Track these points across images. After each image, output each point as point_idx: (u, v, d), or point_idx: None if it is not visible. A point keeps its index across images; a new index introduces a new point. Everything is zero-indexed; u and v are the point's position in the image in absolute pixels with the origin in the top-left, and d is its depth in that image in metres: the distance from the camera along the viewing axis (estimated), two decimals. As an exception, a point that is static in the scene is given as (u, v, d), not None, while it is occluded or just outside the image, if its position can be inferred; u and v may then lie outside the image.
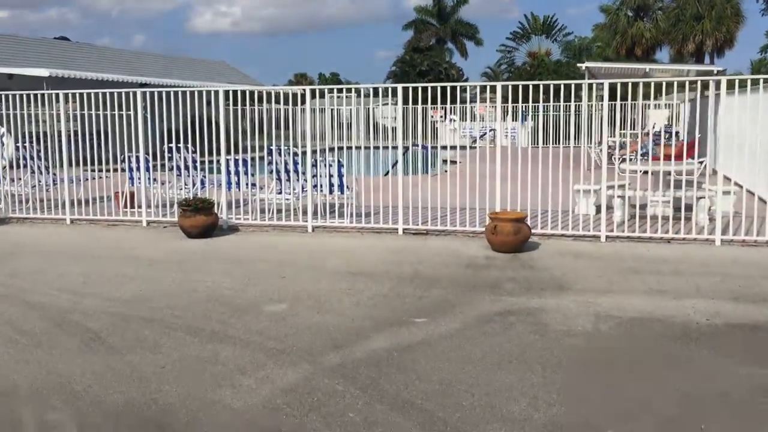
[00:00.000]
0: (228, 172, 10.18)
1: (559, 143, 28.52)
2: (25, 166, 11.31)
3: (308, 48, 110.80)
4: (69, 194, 10.72)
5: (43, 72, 18.58)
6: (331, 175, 9.86)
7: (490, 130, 28.55)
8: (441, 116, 32.91)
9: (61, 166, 10.67)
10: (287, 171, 10.11)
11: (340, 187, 9.88)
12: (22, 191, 11.15)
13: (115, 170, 11.21)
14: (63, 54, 23.62)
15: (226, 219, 10.00)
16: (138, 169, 10.78)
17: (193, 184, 10.61)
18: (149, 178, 10.70)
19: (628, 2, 43.10)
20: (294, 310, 5.96)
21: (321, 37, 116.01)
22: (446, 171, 15.00)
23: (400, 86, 9.74)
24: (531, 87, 10.29)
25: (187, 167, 10.67)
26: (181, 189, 10.78)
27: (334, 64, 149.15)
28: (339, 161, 9.86)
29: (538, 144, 28.30)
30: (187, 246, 8.87)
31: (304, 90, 9.94)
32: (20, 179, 11.28)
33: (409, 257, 7.96)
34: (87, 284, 6.93)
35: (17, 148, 11.17)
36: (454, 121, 32.28)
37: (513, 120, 33.24)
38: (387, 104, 33.48)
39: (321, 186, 9.89)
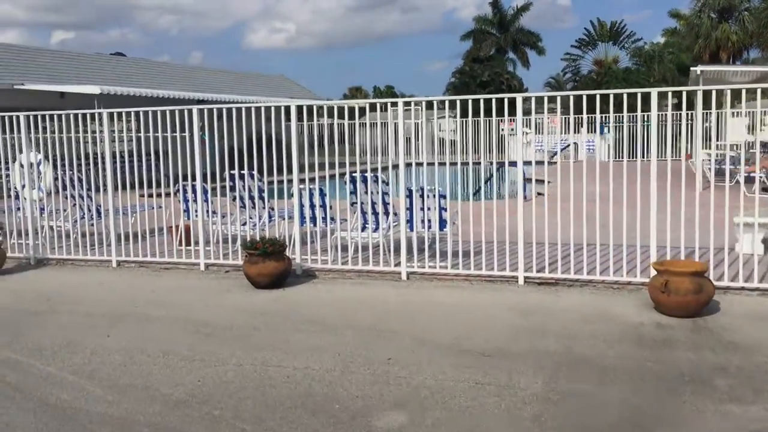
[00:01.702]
0: (301, 203, 8.38)
1: (638, 156, 25.95)
2: (67, 196, 9.75)
3: (362, 61, 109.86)
4: (116, 228, 9.08)
5: (95, 89, 17.27)
6: (427, 207, 7.95)
7: (569, 144, 26.30)
8: (512, 129, 30.86)
9: (106, 191, 9.03)
10: (373, 201, 8.25)
11: (441, 222, 7.96)
12: (63, 226, 9.57)
13: (168, 195, 9.52)
14: (117, 70, 22.45)
15: (300, 262, 8.19)
16: (195, 200, 9.09)
17: (259, 218, 8.85)
18: (207, 211, 8.99)
19: (710, 4, 40.18)
20: (420, 427, 4.05)
21: (374, 51, 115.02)
22: (541, 193, 12.93)
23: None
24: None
25: (251, 197, 8.93)
26: (244, 223, 9.04)
27: (388, 77, 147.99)
28: (440, 191, 7.95)
29: (619, 158, 25.90)
30: (255, 302, 7.08)
31: (396, 102, 8.07)
32: (62, 211, 9.72)
33: (548, 324, 5.98)
34: (127, 369, 5.16)
35: (56, 177, 9.61)
36: (528, 134, 30.12)
37: (590, 132, 30.93)
38: (445, 117, 31.53)
39: (415, 220, 7.99)
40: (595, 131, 29.99)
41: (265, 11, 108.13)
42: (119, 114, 9.02)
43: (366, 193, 8.17)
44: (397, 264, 7.93)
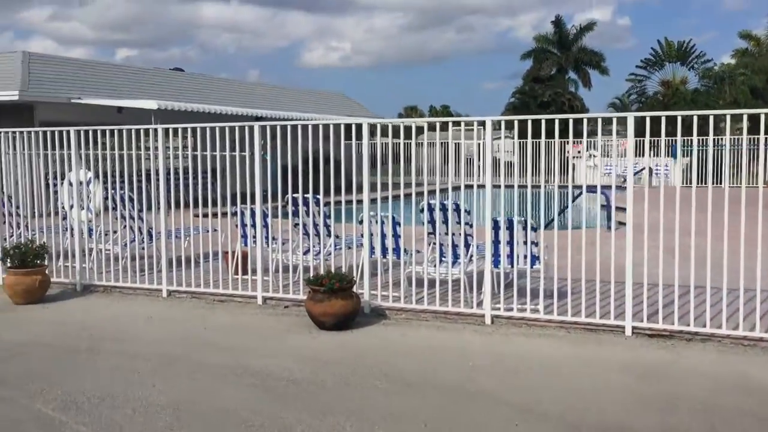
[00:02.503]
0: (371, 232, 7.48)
1: (709, 182, 24.36)
2: (117, 217, 9.07)
3: (416, 81, 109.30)
4: (167, 253, 8.33)
5: (152, 104, 16.82)
6: (509, 241, 6.96)
7: (643, 168, 24.89)
8: (579, 152, 29.56)
9: (158, 211, 8.30)
10: (445, 230, 7.30)
11: (532, 258, 6.97)
12: (112, 249, 8.88)
13: (224, 215, 8.72)
14: (175, 85, 22.10)
15: (369, 299, 7.28)
16: (253, 225, 8.30)
17: (323, 246, 8.00)
18: (267, 237, 8.18)
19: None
20: None
21: (428, 70, 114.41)
22: (622, 223, 11.83)
23: (623, 116, 6.76)
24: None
25: (315, 224, 8.09)
26: (306, 251, 8.21)
27: (443, 96, 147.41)
28: (530, 222, 6.96)
29: (687, 183, 24.34)
30: (319, 347, 6.18)
31: (483, 122, 7.13)
32: (111, 233, 9.04)
33: (675, 392, 4.92)
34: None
35: (106, 197, 8.95)
36: (595, 156, 28.80)
37: (666, 156, 29.42)
38: (502, 137, 30.41)
39: (501, 254, 7.00)
40: (668, 155, 28.55)
41: (320, 30, 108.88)
42: (176, 130, 8.30)
43: (444, 222, 7.24)
44: (480, 304, 6.95)
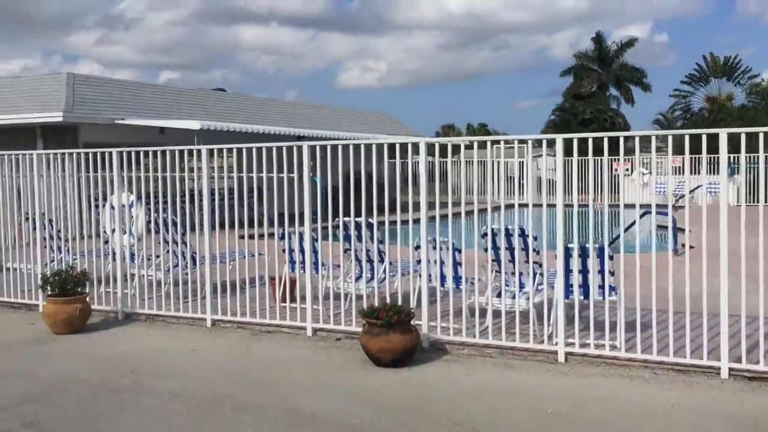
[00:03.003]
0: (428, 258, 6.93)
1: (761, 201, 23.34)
2: (161, 241, 8.69)
3: (453, 100, 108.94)
4: (212, 278, 7.90)
5: (195, 124, 16.59)
6: (582, 269, 6.35)
7: (698, 187, 23.94)
8: (627, 169, 28.68)
9: (202, 233, 7.88)
10: (511, 257, 6.72)
11: (608, 289, 6.35)
12: (154, 275, 8.49)
13: (271, 236, 8.22)
14: (217, 105, 21.93)
15: (427, 332, 6.73)
16: (301, 250, 7.84)
17: (373, 273, 7.49)
18: (315, 263, 7.71)
19: None
20: None
21: (465, 89, 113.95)
22: (691, 246, 11.15)
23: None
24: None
25: (367, 250, 7.59)
26: (359, 278, 7.70)
27: (480, 114, 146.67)
28: (603, 247, 6.35)
29: (751, 202, 23.25)
30: (377, 387, 5.64)
31: (553, 141, 6.57)
32: (154, 257, 8.66)
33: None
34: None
35: (149, 220, 8.58)
36: (645, 174, 27.87)
37: (712, 173, 28.38)
38: (546, 155, 29.65)
39: (574, 284, 6.40)
40: (722, 172, 27.49)
41: (357, 51, 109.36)
42: (219, 150, 7.90)
43: (507, 248, 6.67)
44: (551, 339, 6.34)
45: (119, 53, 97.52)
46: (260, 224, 7.97)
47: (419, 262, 7.23)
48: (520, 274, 6.71)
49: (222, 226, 8.09)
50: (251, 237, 8.67)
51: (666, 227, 10.40)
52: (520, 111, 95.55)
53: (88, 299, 7.79)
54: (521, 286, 6.80)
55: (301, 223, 7.47)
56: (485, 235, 6.80)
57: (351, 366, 6.18)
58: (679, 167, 27.49)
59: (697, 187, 23.99)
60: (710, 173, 28.41)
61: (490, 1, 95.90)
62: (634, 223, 7.66)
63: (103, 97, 18.06)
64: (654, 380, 5.63)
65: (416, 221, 7.11)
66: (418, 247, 7.12)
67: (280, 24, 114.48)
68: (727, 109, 46.79)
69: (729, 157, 6.13)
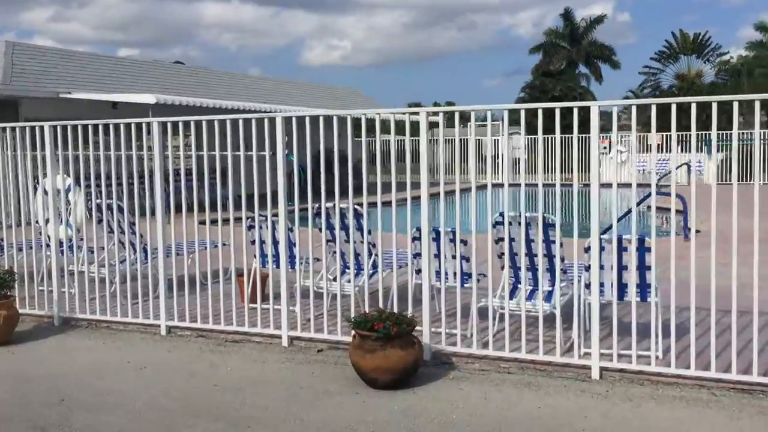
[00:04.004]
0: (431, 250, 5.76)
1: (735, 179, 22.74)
2: (109, 231, 7.36)
3: (418, 78, 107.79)
4: (167, 274, 6.62)
5: (150, 98, 15.11)
6: (624, 265, 5.27)
7: (682, 164, 23.15)
8: (605, 147, 27.83)
9: (154, 220, 6.57)
10: (530, 253, 5.60)
11: (644, 289, 5.28)
12: (97, 272, 7.17)
13: (238, 220, 6.87)
14: (174, 79, 20.33)
15: (430, 342, 5.58)
16: (275, 242, 6.62)
17: (359, 269, 6.30)
18: (291, 258, 6.50)
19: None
20: None
21: (431, 67, 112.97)
22: (697, 231, 10.23)
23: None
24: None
25: (354, 243, 6.38)
26: (343, 273, 6.52)
27: (447, 93, 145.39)
28: (644, 238, 5.26)
29: (730, 180, 22.46)
30: (375, 418, 4.47)
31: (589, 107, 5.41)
32: (97, 251, 7.33)
33: None
34: None
35: (96, 207, 7.24)
36: (623, 152, 27.06)
37: (687, 151, 27.67)
38: (517, 133, 28.69)
39: (605, 283, 5.29)
40: (700, 150, 26.71)
41: (321, 29, 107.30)
42: (175, 124, 6.56)
43: (526, 240, 5.53)
44: (572, 350, 5.24)
45: (75, 30, 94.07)
46: (224, 208, 6.72)
47: (416, 255, 6.07)
48: (535, 269, 5.60)
49: (179, 211, 6.79)
50: (214, 223, 7.33)
51: (684, 211, 9.38)
52: (486, 89, 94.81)
53: (15, 304, 6.46)
54: (536, 284, 5.70)
55: (273, 207, 6.23)
56: (498, 223, 5.65)
57: (339, 389, 5.00)
58: (659, 145, 26.84)
59: (682, 165, 23.22)
60: (684, 151, 27.82)
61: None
62: (639, 204, 6.61)
63: (47, 68, 16.43)
64: (715, 405, 4.57)
65: (390, 203, 5.92)
66: (416, 238, 5.96)
67: (242, 0, 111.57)
68: (697, 87, 46.49)
69: (709, 134, 5.18)
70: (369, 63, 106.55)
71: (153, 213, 6.66)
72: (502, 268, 5.84)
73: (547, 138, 28.31)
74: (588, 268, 5.46)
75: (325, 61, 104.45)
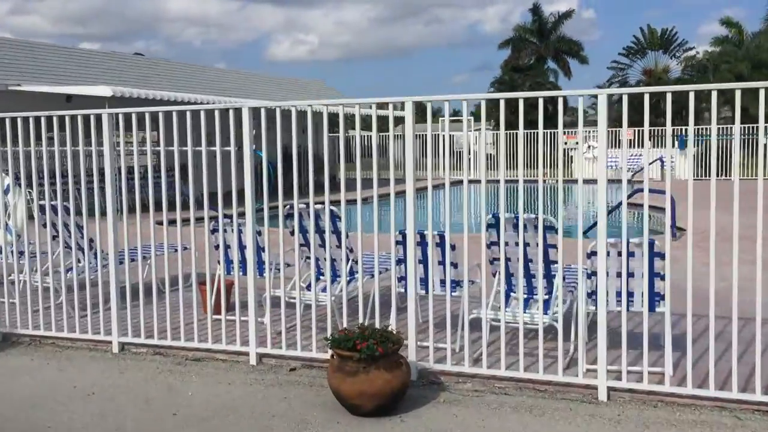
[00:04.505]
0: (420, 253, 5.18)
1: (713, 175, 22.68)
2: (54, 235, 6.61)
3: (386, 74, 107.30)
4: (118, 282, 5.93)
5: (106, 91, 14.26)
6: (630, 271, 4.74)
7: (656, 160, 22.94)
8: (576, 143, 27.54)
9: (104, 220, 5.86)
10: (527, 257, 5.04)
11: (652, 298, 4.77)
12: (41, 281, 6.42)
13: (199, 220, 6.13)
14: (134, 72, 19.40)
15: (416, 360, 4.99)
16: (241, 247, 5.99)
17: (335, 276, 5.69)
18: (260, 264, 5.86)
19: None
20: None
21: (398, 63, 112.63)
22: (682, 229, 9.98)
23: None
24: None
25: (323, 243, 5.76)
26: (317, 280, 5.90)
27: (414, 89, 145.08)
28: (653, 242, 4.74)
29: (708, 176, 22.33)
30: (362, 454, 3.88)
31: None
32: (39, 256, 6.60)
33: None
34: None
35: (40, 209, 6.50)
36: (594, 148, 26.79)
37: (659, 146, 27.52)
38: (481, 129, 28.13)
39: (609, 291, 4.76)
40: (675, 145, 26.53)
41: (288, 23, 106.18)
42: (127, 116, 5.85)
43: (520, 244, 4.98)
44: (571, 367, 4.71)
45: (34, 24, 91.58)
46: (185, 207, 6.02)
47: (399, 261, 5.48)
48: (534, 277, 5.05)
49: (133, 211, 6.08)
50: (173, 223, 6.61)
51: (672, 208, 8.95)
52: (454, 85, 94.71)
53: (-57, 320, 5.71)
54: (532, 292, 5.16)
55: (238, 206, 5.58)
56: (490, 225, 5.08)
57: (317, 418, 4.38)
58: (631, 140, 26.60)
59: (655, 160, 23.00)
60: (657, 146, 27.67)
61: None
62: (620, 204, 6.16)
63: (-5, 58, 15.44)
64: (742, 430, 4.06)
65: (356, 201, 5.31)
66: (399, 242, 5.36)
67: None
68: (664, 82, 46.81)
69: (683, 129, 4.82)
70: (336, 58, 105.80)
71: (104, 214, 5.96)
72: (494, 274, 5.31)
73: (528, 134, 28.00)
74: (590, 275, 4.95)
75: (292, 56, 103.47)
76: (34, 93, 14.65)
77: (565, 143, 28.33)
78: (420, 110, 5.28)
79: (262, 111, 5.42)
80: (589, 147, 27.14)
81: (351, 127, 23.22)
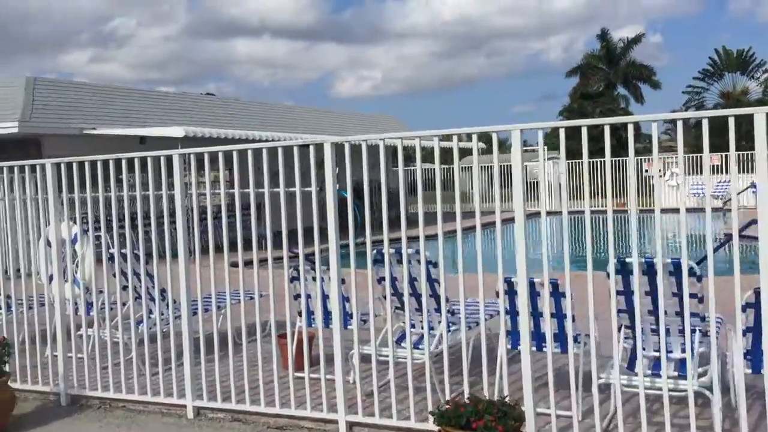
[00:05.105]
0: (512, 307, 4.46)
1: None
2: (124, 287, 6.15)
3: (449, 106, 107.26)
4: (191, 334, 5.40)
5: (178, 131, 14.12)
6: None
7: (748, 187, 21.44)
8: (659, 170, 26.17)
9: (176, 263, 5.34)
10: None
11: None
12: (110, 335, 5.94)
13: (277, 260, 5.48)
14: (205, 111, 19.38)
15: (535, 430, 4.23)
16: (325, 297, 5.40)
17: (428, 327, 5.00)
18: (345, 316, 5.23)
19: None
20: None
21: (460, 96, 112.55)
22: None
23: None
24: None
25: (417, 293, 5.10)
26: (401, 338, 5.23)
27: (477, 120, 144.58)
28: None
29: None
30: None
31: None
32: (108, 307, 6.15)
33: None
34: None
35: (111, 257, 6.06)
36: (677, 175, 25.40)
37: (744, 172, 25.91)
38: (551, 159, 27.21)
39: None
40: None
41: (352, 60, 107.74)
42: (200, 156, 5.37)
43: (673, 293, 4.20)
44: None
45: (112, 71, 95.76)
46: (260, 247, 5.43)
47: (507, 313, 4.76)
48: (670, 331, 4.25)
49: (205, 251, 5.52)
50: (248, 265, 6.00)
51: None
52: (516, 116, 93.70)
53: (7, 383, 5.27)
54: (674, 349, 4.34)
55: (318, 243, 5.00)
56: (620, 271, 4.31)
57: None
58: (717, 165, 25.10)
59: (747, 188, 21.50)
60: (744, 171, 26.03)
61: (482, 7, 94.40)
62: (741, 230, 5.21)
63: (71, 103, 15.54)
64: None
65: (438, 235, 4.60)
66: (508, 289, 4.65)
67: (273, 36, 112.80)
68: (742, 104, 44.79)
69: None
70: (399, 92, 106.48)
71: (174, 256, 5.44)
72: (620, 329, 4.52)
73: (600, 162, 26.94)
74: (746, 332, 4.11)
75: (356, 91, 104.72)
76: (108, 136, 14.65)
77: (646, 170, 27.00)
78: (485, 141, 4.73)
79: (346, 146, 4.84)
80: (671, 174, 25.79)
81: (426, 160, 22.87)
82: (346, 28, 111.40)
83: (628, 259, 4.25)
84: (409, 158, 22.14)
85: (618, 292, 4.34)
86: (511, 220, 4.35)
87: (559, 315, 4.62)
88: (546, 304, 4.32)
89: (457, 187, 4.71)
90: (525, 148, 4.88)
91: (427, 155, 22.86)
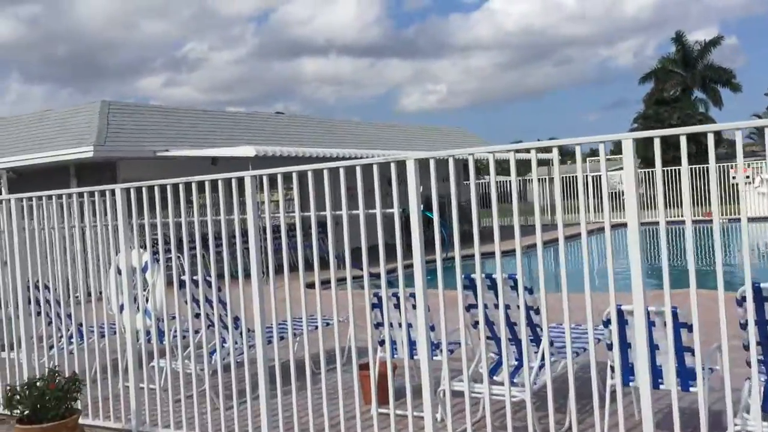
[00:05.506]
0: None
1: None
2: (196, 315, 5.85)
3: (517, 116, 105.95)
4: (266, 366, 5.03)
5: (249, 151, 14.00)
6: None
7: None
8: (747, 176, 24.78)
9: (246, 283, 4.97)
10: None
11: None
12: (182, 367, 5.63)
13: (357, 280, 5.03)
14: (275, 130, 19.34)
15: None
16: (409, 325, 4.95)
17: (520, 361, 4.47)
18: (432, 346, 4.76)
19: None
20: None
21: (528, 106, 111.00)
22: None
23: None
24: None
25: (512, 323, 4.59)
26: (497, 365, 4.73)
27: (547, 130, 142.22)
28: None
29: None
30: None
31: None
32: (180, 336, 5.85)
33: None
34: None
35: (181, 283, 5.78)
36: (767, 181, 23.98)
37: None
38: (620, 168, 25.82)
39: None
40: None
41: (417, 75, 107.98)
42: (272, 176, 5.03)
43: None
44: None
45: (185, 94, 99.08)
46: (339, 265, 5.04)
47: (608, 344, 4.19)
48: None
49: (279, 271, 5.14)
50: (324, 284, 5.53)
51: None
52: (587, 123, 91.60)
53: (77, 420, 5.01)
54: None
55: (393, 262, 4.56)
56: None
57: None
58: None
59: None
60: None
61: (548, 17, 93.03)
62: None
63: (144, 126, 15.70)
64: None
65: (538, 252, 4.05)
66: (608, 322, 4.09)
67: (338, 54, 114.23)
68: (833, 106, 42.21)
69: None
70: (465, 104, 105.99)
71: (247, 276, 5.08)
72: (748, 364, 3.89)
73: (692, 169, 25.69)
74: None
75: (422, 105, 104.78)
76: (181, 158, 14.68)
77: (733, 177, 25.56)
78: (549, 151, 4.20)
79: (431, 162, 4.40)
80: (762, 180, 24.34)
81: (487, 173, 22.09)
82: (410, 44, 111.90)
83: (764, 284, 3.65)
84: (478, 171, 21.65)
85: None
86: (591, 232, 3.82)
87: (678, 347, 4.03)
88: (669, 339, 3.74)
89: (559, 201, 4.19)
90: (608, 157, 4.35)
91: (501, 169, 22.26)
